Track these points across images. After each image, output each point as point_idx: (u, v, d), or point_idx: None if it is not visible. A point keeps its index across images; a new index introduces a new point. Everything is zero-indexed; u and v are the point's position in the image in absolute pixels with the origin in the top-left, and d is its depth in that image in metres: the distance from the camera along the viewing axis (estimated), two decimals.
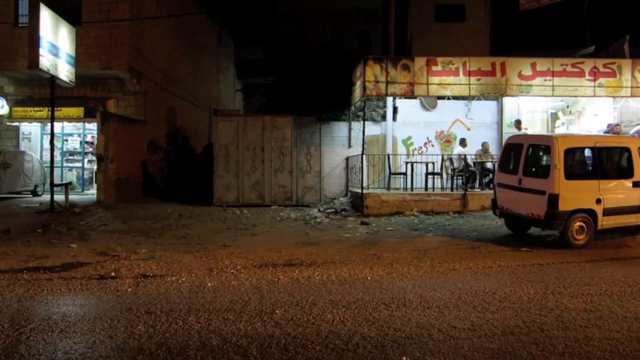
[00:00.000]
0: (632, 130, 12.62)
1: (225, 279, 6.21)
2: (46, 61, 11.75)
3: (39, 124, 16.87)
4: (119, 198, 14.31)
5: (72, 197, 13.57)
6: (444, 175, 13.68)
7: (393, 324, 4.50)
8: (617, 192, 8.59)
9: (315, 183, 14.94)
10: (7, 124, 16.36)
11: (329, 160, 15.16)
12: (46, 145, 16.71)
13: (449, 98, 14.13)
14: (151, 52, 16.60)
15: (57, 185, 13.41)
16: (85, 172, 17.28)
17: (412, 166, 13.33)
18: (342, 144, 15.29)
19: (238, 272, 6.58)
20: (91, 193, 15.92)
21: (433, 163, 13.48)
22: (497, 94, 13.16)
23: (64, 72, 12.78)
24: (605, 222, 8.46)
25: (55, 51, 12.19)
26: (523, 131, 13.44)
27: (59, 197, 12.77)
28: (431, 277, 6.38)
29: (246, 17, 25.30)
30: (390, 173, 13.66)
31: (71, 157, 17.39)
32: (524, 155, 8.96)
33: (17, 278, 6.19)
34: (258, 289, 5.70)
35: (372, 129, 14.91)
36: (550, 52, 14.87)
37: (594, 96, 12.99)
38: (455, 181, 13.45)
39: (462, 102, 14.73)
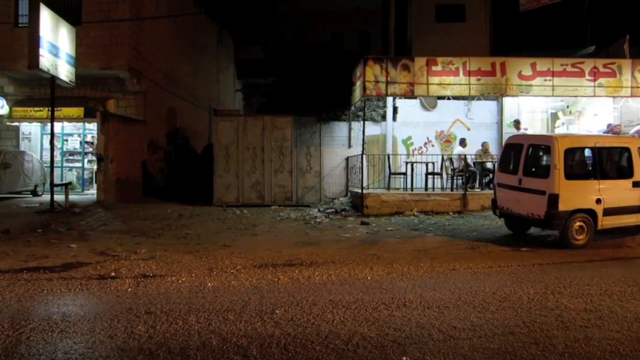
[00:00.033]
0: (632, 130, 12.62)
1: (225, 279, 6.21)
2: (46, 61, 11.75)
3: (39, 124, 16.87)
4: (119, 198, 14.31)
5: (72, 197, 13.57)
6: (444, 175, 13.68)
7: (393, 324, 4.50)
8: (617, 192, 8.58)
9: (315, 183, 14.94)
10: (7, 124, 16.36)
11: (329, 160, 15.16)
12: (46, 145, 16.70)
13: (449, 98, 14.13)
14: (151, 52, 16.60)
15: (57, 185, 13.41)
16: (85, 172, 17.28)
17: (412, 166, 13.33)
18: (342, 144, 15.29)
19: (238, 272, 6.58)
20: (91, 193, 15.92)
21: (433, 163, 13.48)
22: (497, 94, 13.16)
23: (64, 72, 12.79)
24: (605, 222, 8.46)
25: (55, 51, 12.19)
26: (522, 131, 13.44)
27: (59, 197, 12.76)
28: (431, 277, 6.38)
29: (246, 17, 25.30)
30: (390, 173, 13.66)
31: (71, 157, 17.39)
32: (524, 155, 8.96)
33: (17, 278, 6.19)
34: (258, 289, 5.70)
35: (372, 129, 14.91)
36: (550, 52, 14.87)
37: (594, 96, 12.99)
38: (455, 181, 13.44)
39: (461, 102, 14.73)
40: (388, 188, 13.58)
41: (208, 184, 14.84)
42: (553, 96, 13.17)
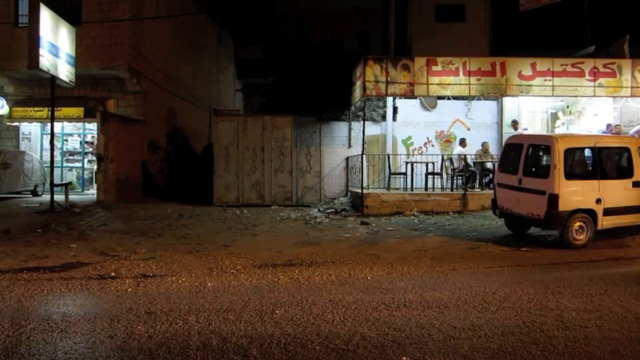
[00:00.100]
0: (632, 130, 12.61)
1: (226, 279, 6.21)
2: (46, 61, 11.75)
3: (39, 124, 16.86)
4: (119, 198, 14.31)
5: (72, 197, 13.57)
6: (444, 175, 13.68)
7: (393, 324, 4.50)
8: (617, 192, 8.58)
9: (315, 183, 14.94)
10: (7, 124, 16.35)
11: (329, 160, 15.16)
12: (46, 145, 16.70)
13: (449, 98, 14.12)
14: (151, 52, 16.60)
15: (57, 185, 13.41)
16: (85, 172, 17.28)
17: (412, 166, 13.33)
18: (342, 144, 15.29)
19: (238, 272, 6.58)
20: (91, 193, 15.92)
21: (433, 163, 13.48)
22: (497, 94, 13.16)
23: (64, 72, 12.78)
24: (605, 222, 8.46)
25: (55, 51, 12.19)
26: (520, 131, 13.45)
27: (59, 197, 12.76)
28: (431, 277, 6.38)
29: (246, 17, 25.31)
30: (390, 173, 13.66)
31: (71, 157, 17.39)
32: (524, 155, 8.97)
33: (17, 278, 6.19)
34: (259, 289, 5.70)
35: (372, 129, 14.91)
36: (550, 52, 14.87)
37: (594, 96, 12.99)
38: (455, 181, 13.44)
39: (461, 102, 14.72)
40: (388, 188, 13.58)
41: (208, 184, 14.84)
42: (553, 96, 13.16)
